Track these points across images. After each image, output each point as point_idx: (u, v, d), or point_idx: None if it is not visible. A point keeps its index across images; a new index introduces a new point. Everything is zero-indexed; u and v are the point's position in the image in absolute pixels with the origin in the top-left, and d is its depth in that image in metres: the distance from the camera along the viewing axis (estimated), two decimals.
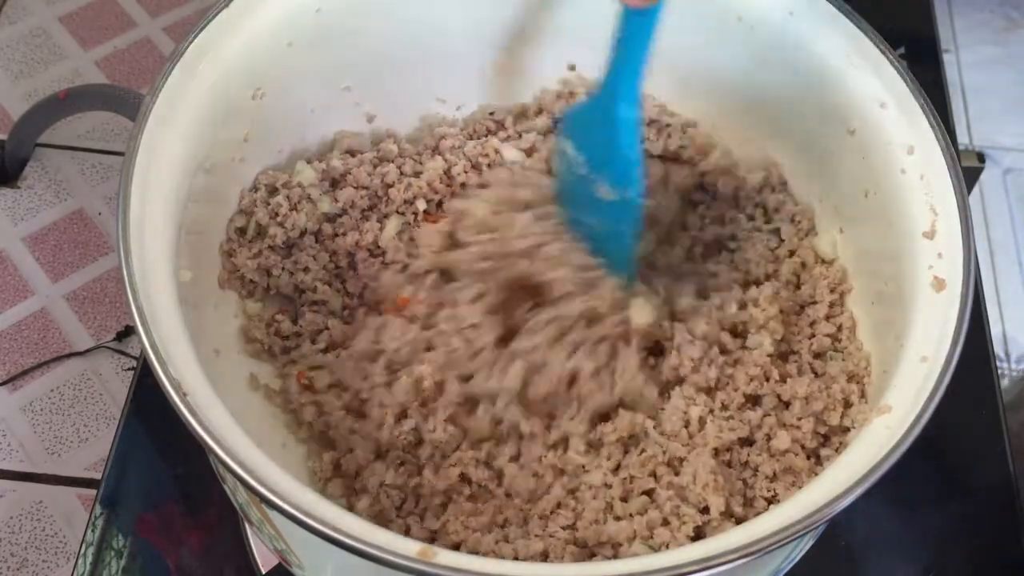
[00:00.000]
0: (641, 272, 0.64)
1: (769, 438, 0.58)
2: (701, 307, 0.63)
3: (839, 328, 0.63)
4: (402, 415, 0.59)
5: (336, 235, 0.65)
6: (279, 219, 0.63)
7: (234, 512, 0.63)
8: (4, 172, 1.08)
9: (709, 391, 0.60)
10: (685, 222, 0.69)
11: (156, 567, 0.67)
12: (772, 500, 0.56)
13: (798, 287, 0.65)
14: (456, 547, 0.55)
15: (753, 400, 0.60)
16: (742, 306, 0.63)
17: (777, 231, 0.67)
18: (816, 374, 0.61)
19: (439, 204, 0.68)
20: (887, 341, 0.57)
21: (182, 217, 0.55)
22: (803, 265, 0.66)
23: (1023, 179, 1.28)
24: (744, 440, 0.58)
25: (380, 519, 0.56)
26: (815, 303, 0.64)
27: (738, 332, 0.63)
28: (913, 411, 0.48)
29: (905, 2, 1.02)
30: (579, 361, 0.60)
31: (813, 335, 0.62)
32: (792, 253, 0.66)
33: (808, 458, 0.58)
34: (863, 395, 0.59)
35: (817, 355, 0.62)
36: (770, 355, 0.61)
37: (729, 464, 0.58)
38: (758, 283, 0.65)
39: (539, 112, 0.72)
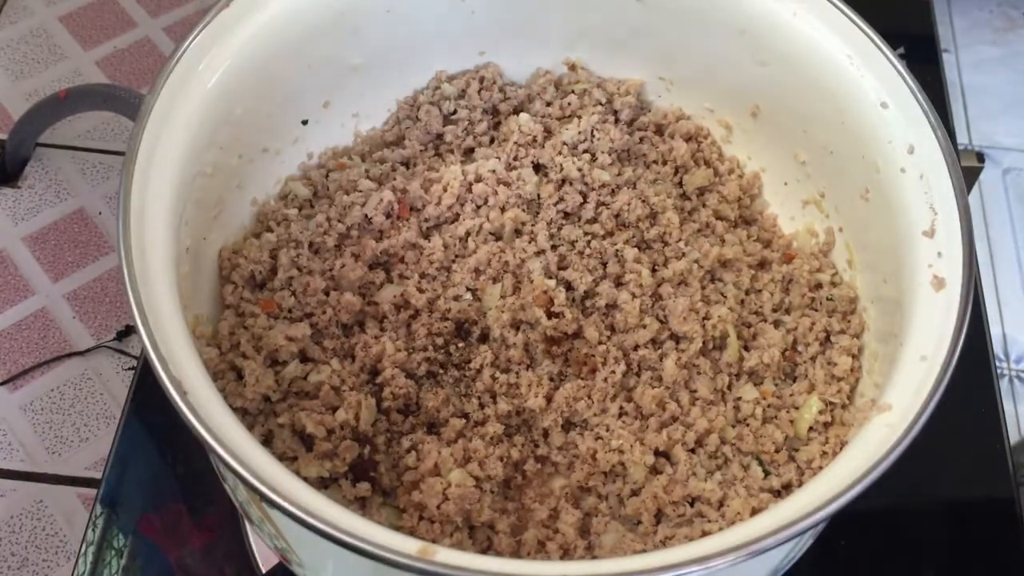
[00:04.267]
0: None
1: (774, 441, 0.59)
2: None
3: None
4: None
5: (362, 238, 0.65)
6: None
7: (234, 511, 0.63)
8: (4, 172, 1.08)
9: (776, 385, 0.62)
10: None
11: (156, 566, 0.67)
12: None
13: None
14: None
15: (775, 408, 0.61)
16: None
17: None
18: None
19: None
20: (887, 340, 0.57)
21: (182, 216, 0.55)
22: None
23: (1023, 179, 1.28)
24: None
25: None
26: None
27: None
28: (913, 409, 0.48)
29: (905, 2, 1.02)
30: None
31: (812, 325, 0.63)
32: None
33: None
34: (852, 392, 0.60)
35: (817, 354, 0.63)
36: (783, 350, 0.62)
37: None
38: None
39: (535, 112, 0.72)
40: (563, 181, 0.67)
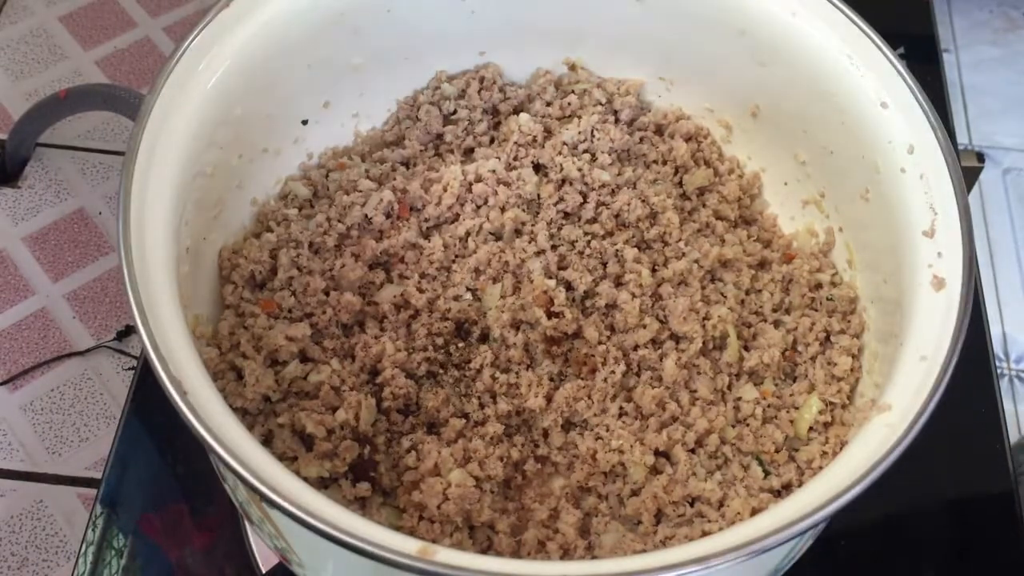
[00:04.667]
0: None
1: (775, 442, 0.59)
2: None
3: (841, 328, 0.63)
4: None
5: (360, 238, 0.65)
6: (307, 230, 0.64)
7: (234, 511, 0.63)
8: (4, 172, 1.08)
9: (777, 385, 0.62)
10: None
11: (156, 566, 0.67)
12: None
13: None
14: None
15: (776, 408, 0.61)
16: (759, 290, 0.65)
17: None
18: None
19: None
20: (887, 340, 0.57)
21: (182, 216, 0.55)
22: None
23: (1023, 179, 1.28)
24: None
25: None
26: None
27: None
28: (912, 409, 0.48)
29: (905, 2, 1.02)
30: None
31: (812, 325, 0.63)
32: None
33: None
34: (852, 392, 0.60)
35: (817, 354, 0.63)
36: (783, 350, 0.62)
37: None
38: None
39: (535, 112, 0.72)
40: (563, 181, 0.67)
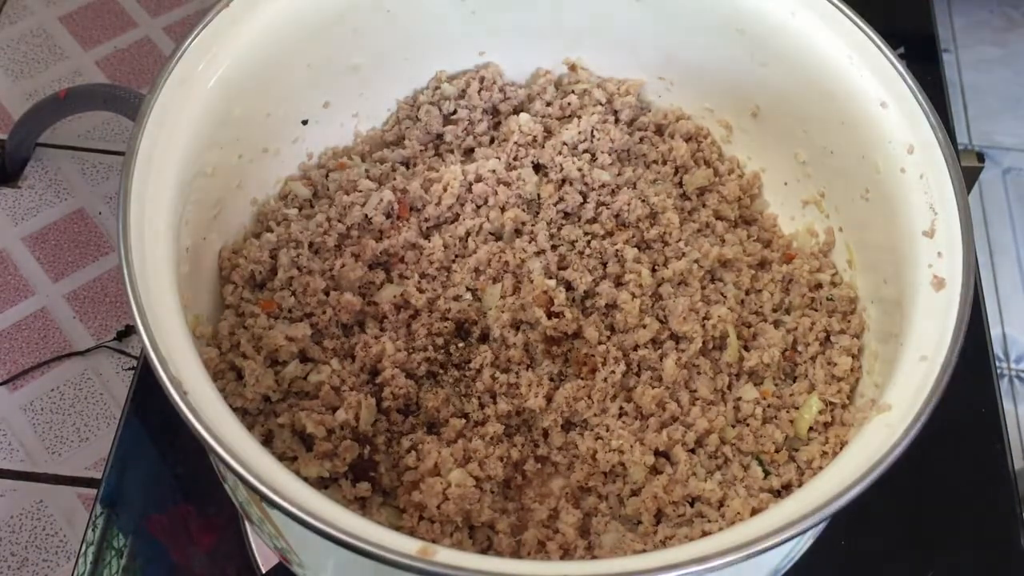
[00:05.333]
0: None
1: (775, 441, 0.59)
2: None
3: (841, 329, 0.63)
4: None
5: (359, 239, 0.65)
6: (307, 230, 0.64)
7: (235, 511, 0.63)
8: (4, 172, 1.08)
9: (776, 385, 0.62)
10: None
11: (157, 566, 0.67)
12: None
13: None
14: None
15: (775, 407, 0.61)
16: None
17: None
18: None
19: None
20: (887, 340, 0.57)
21: (182, 216, 0.55)
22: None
23: (1023, 179, 1.28)
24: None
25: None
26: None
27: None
28: (912, 410, 0.48)
29: (905, 2, 1.02)
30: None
31: (812, 325, 0.63)
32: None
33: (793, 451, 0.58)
34: (852, 392, 0.60)
35: (817, 354, 0.63)
36: (783, 350, 0.62)
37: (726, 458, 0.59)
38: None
39: (535, 112, 0.72)
40: (563, 181, 0.67)
